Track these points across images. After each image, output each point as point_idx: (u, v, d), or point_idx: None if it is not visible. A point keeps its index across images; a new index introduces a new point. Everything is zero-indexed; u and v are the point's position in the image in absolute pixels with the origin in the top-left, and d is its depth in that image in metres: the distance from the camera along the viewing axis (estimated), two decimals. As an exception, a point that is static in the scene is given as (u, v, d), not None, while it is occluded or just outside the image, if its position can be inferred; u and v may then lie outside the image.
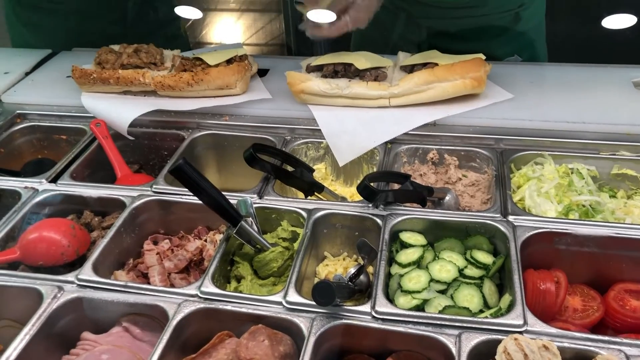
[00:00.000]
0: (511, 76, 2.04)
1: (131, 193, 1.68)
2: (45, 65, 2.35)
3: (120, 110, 1.96)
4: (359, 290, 1.45)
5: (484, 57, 1.91)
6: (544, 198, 1.64)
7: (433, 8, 2.22)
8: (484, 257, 1.45)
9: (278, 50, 4.12)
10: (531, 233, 1.47)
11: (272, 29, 4.10)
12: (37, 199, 1.68)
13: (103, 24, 2.48)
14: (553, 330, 1.23)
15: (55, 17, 2.46)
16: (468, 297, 1.36)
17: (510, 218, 1.51)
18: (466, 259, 1.46)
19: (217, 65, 2.00)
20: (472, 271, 1.43)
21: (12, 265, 1.52)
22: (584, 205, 1.62)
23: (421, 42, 2.27)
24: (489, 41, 2.22)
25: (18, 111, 2.07)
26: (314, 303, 1.29)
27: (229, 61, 2.03)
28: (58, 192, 1.71)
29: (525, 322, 1.24)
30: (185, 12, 2.46)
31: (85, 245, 1.59)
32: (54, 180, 1.76)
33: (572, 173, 1.71)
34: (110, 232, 1.55)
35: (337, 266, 1.61)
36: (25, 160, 2.00)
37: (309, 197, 1.72)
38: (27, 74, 2.28)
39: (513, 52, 2.24)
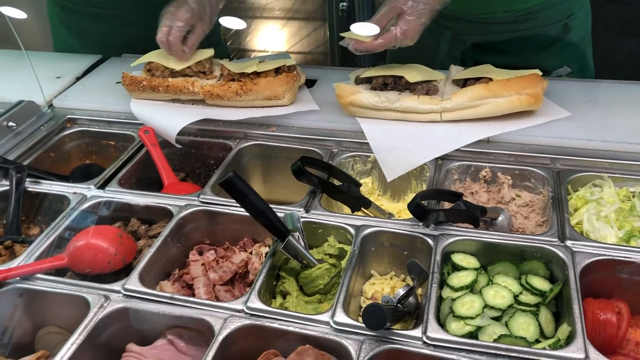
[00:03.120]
0: (568, 93, 1.97)
1: (178, 202, 1.67)
2: (95, 70, 2.38)
3: (169, 119, 1.96)
4: (408, 312, 1.40)
5: (540, 73, 1.84)
6: (604, 222, 1.56)
7: (479, 24, 2.16)
8: (541, 284, 1.38)
9: (322, 59, 4.11)
10: (591, 260, 1.40)
11: (316, 37, 4.09)
12: (86, 205, 1.69)
13: (145, 30, 2.48)
14: (616, 366, 1.17)
15: (98, 22, 2.47)
16: (524, 325, 1.30)
17: (569, 243, 1.45)
18: (521, 285, 1.40)
19: (265, 76, 1.99)
20: (527, 298, 1.37)
21: (60, 272, 1.53)
22: (646, 232, 1.54)
23: (466, 58, 2.22)
24: (538, 54, 2.14)
25: (68, 116, 2.09)
26: (362, 324, 1.26)
27: (277, 71, 2.02)
28: (106, 198, 1.72)
29: (587, 356, 1.18)
30: (229, 22, 2.45)
31: (132, 254, 1.59)
32: (102, 186, 1.76)
33: (633, 197, 1.63)
34: (157, 242, 1.54)
35: (384, 285, 1.57)
36: (73, 165, 2.02)
37: (356, 213, 1.69)
38: (78, 78, 2.31)
39: (562, 64, 2.16)
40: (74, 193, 1.74)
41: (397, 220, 1.62)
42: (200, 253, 1.64)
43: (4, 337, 1.47)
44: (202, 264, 1.58)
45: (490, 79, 1.85)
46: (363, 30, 1.89)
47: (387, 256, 1.58)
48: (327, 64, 4.01)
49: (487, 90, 1.81)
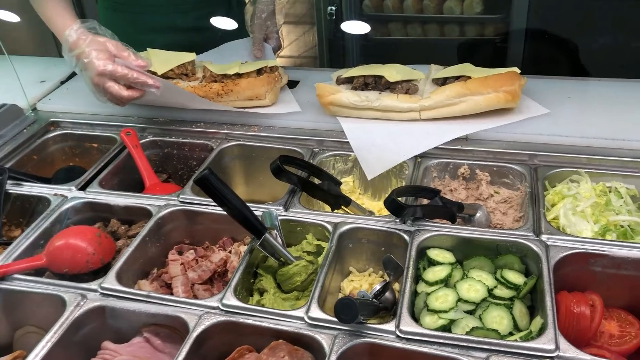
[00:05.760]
0: (548, 91, 1.98)
1: (158, 202, 1.68)
2: (80, 74, 2.38)
3: None
4: (384, 308, 1.41)
5: (519, 71, 1.86)
6: (580, 217, 1.57)
7: None
8: (515, 277, 1.39)
9: (311, 62, 4.13)
10: (565, 253, 1.41)
11: (305, 41, 4.11)
12: (66, 206, 1.69)
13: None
14: (587, 357, 1.17)
15: (125, 17, 2.41)
16: (497, 318, 1.31)
17: (544, 237, 1.46)
18: (496, 279, 1.40)
19: (247, 76, 2.00)
20: (502, 291, 1.37)
21: (39, 272, 1.53)
22: (622, 226, 1.54)
23: None
24: None
25: (52, 119, 2.10)
26: (336, 320, 1.26)
27: (259, 72, 2.03)
28: (86, 199, 1.72)
29: (557, 347, 1.19)
30: (220, 22, 2.47)
31: (111, 254, 1.59)
32: (83, 188, 1.77)
33: (610, 192, 1.64)
34: (135, 241, 1.55)
35: (362, 282, 1.57)
36: (57, 168, 2.03)
37: (336, 211, 1.70)
38: (62, 82, 2.33)
39: None
40: (55, 194, 1.74)
41: (375, 216, 1.63)
42: (180, 253, 1.64)
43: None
44: (181, 264, 1.59)
45: (469, 77, 1.86)
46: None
47: (365, 253, 1.59)
48: (317, 67, 4.02)
49: (465, 88, 1.82)
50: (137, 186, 1.87)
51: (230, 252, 1.62)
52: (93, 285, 1.43)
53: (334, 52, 3.83)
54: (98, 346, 1.36)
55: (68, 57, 1.84)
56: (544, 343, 1.19)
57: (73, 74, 2.37)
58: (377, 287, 1.40)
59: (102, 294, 1.41)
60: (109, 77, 1.79)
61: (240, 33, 2.42)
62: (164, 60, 2.08)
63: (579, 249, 1.42)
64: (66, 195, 1.74)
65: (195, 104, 2.00)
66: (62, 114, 2.13)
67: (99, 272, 1.55)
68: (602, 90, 2.00)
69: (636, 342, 1.33)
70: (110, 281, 1.43)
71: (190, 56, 2.10)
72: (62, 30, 1.85)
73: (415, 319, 1.33)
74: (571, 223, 1.56)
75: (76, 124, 2.09)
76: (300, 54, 4.17)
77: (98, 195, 1.74)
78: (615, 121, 1.81)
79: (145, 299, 1.39)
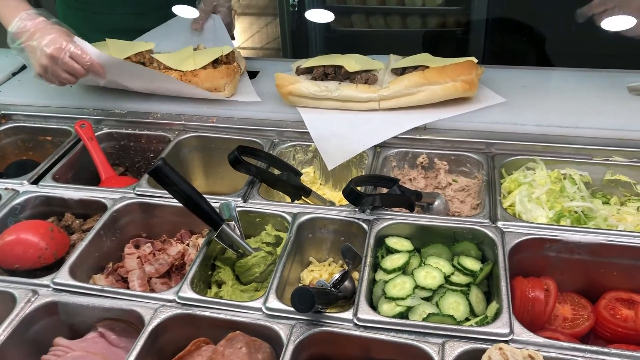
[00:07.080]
0: (504, 80, 2.01)
1: (113, 195, 1.65)
2: (33, 65, 2.31)
3: None
4: (343, 297, 1.41)
5: (476, 60, 1.88)
6: (535, 204, 1.60)
7: None
8: (472, 264, 1.41)
9: (274, 54, 4.10)
10: (520, 239, 1.43)
11: (268, 32, 4.08)
12: (17, 201, 1.64)
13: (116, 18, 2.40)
14: (540, 339, 1.19)
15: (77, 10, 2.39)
16: (454, 304, 1.32)
17: (499, 224, 1.48)
18: (453, 266, 1.42)
19: (205, 68, 1.97)
20: (458, 278, 1.39)
21: (-12, 269, 1.49)
22: (575, 212, 1.58)
23: None
24: None
25: (3, 112, 2.04)
26: (294, 309, 1.25)
27: (215, 62, 2.00)
28: (39, 193, 1.68)
29: (512, 331, 1.20)
30: (183, 11, 2.42)
31: (64, 248, 1.55)
32: (35, 181, 1.72)
33: (564, 179, 1.67)
34: (90, 235, 1.51)
35: (322, 272, 1.57)
36: (9, 162, 1.97)
37: (296, 201, 1.69)
38: (14, 74, 2.26)
39: None
40: (6, 189, 1.69)
41: (334, 206, 1.63)
42: (137, 246, 1.61)
43: None
44: (138, 257, 1.56)
45: (428, 67, 1.87)
46: None
47: (324, 243, 1.58)
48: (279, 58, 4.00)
49: (423, 78, 1.83)
50: (93, 180, 1.84)
51: (188, 244, 1.60)
52: (45, 280, 1.39)
53: (297, 44, 3.81)
54: (51, 343, 1.33)
55: (13, 35, 1.80)
56: (499, 327, 1.21)
57: (25, 65, 2.30)
58: (336, 276, 1.40)
59: (54, 289, 1.38)
60: (67, 54, 1.77)
61: None
62: (121, 48, 2.04)
63: (533, 234, 1.44)
64: (17, 190, 1.69)
65: (156, 81, 1.96)
66: (13, 106, 2.06)
67: (52, 267, 1.51)
68: (558, 80, 2.03)
69: (588, 324, 1.36)
70: (63, 276, 1.39)
71: (148, 45, 2.07)
72: (14, 15, 1.79)
73: (374, 307, 1.33)
74: (527, 210, 1.58)
75: (29, 117, 2.03)
76: (263, 46, 4.14)
77: (51, 189, 1.69)
78: (569, 109, 1.84)
79: (99, 294, 1.36)
